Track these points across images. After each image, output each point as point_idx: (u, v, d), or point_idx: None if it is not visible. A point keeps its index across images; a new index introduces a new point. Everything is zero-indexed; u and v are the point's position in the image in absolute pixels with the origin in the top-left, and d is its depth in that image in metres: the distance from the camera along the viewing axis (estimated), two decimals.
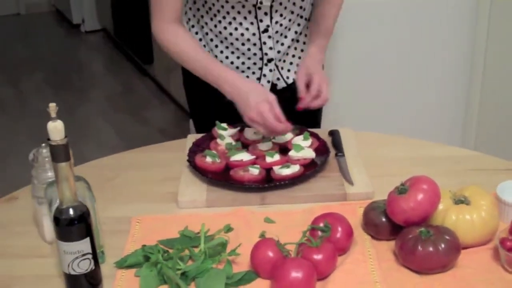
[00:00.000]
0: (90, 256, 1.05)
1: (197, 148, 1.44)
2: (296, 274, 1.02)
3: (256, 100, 1.37)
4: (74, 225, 1.02)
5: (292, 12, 1.55)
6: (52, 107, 0.99)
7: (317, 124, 1.75)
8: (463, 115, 2.55)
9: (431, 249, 1.07)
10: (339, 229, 1.13)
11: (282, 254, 1.08)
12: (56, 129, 0.98)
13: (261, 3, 1.49)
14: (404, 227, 1.13)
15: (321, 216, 1.16)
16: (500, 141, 2.52)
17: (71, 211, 1.02)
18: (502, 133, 2.53)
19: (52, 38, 5.51)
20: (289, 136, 1.46)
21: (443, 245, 1.07)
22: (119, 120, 3.75)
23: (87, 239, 1.04)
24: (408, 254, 1.09)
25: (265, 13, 1.51)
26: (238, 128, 1.50)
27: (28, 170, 1.24)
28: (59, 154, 0.99)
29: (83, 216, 1.03)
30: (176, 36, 1.49)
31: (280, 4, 1.51)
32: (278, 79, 1.64)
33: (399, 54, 2.35)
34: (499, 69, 2.50)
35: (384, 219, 1.17)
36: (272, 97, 1.39)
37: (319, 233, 1.12)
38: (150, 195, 1.37)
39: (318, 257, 1.07)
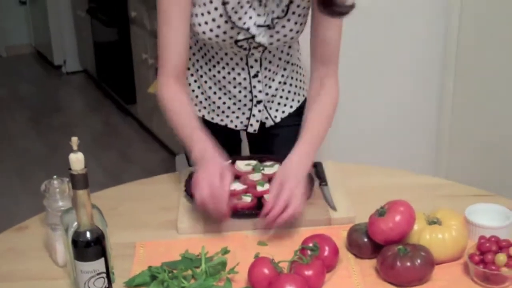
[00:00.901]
0: (104, 275, 1.16)
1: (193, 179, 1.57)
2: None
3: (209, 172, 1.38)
4: (91, 246, 1.14)
5: (280, 59, 1.70)
6: (74, 140, 1.12)
7: None
8: (435, 146, 2.73)
9: (408, 264, 1.21)
10: (327, 248, 1.26)
11: (277, 271, 1.21)
12: (77, 160, 1.10)
13: (252, 54, 1.63)
14: (384, 245, 1.27)
15: (310, 237, 1.29)
16: (471, 168, 2.68)
17: (88, 234, 1.14)
18: (472, 162, 2.70)
19: (34, 79, 5.63)
20: (277, 167, 1.59)
21: (419, 261, 1.21)
22: (105, 158, 3.85)
23: (102, 260, 1.15)
24: (388, 269, 1.22)
25: (255, 60, 1.66)
26: (230, 161, 1.64)
27: (16, 207, 1.36)
28: (79, 182, 1.11)
29: (98, 238, 1.15)
30: (169, 100, 1.56)
31: (269, 52, 1.66)
32: (266, 118, 1.78)
33: (371, 90, 2.55)
34: (467, 103, 2.68)
35: (366, 239, 1.31)
36: (227, 173, 1.38)
37: (309, 252, 1.25)
38: (151, 223, 1.49)
39: (309, 272, 1.20)
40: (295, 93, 1.81)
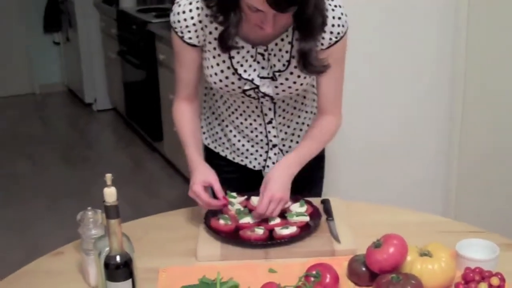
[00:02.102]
0: None
1: (212, 213, 1.74)
2: None
3: (194, 181, 1.72)
4: (120, 269, 1.31)
5: (294, 108, 1.88)
6: (108, 177, 1.29)
7: (318, 193, 2.05)
8: (444, 184, 2.88)
9: None
10: (328, 275, 1.42)
11: None
12: (110, 194, 1.28)
13: (262, 103, 1.82)
14: (379, 274, 1.42)
15: (314, 266, 1.45)
16: (477, 205, 2.82)
17: (118, 258, 1.31)
18: (478, 199, 2.83)
19: (65, 116, 5.90)
20: (288, 203, 1.76)
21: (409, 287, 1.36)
22: (131, 193, 4.04)
23: (130, 280, 1.32)
24: None
25: (269, 109, 1.84)
26: (245, 197, 1.81)
27: (49, 237, 1.52)
28: (112, 213, 1.29)
29: (127, 262, 1.32)
30: (177, 115, 1.87)
31: (283, 101, 1.84)
32: None
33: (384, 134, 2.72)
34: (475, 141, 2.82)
35: (364, 269, 1.46)
36: (213, 178, 1.73)
37: (312, 278, 1.41)
38: (173, 251, 1.65)
39: None
40: None
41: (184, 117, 1.86)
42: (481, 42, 2.70)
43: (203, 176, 1.73)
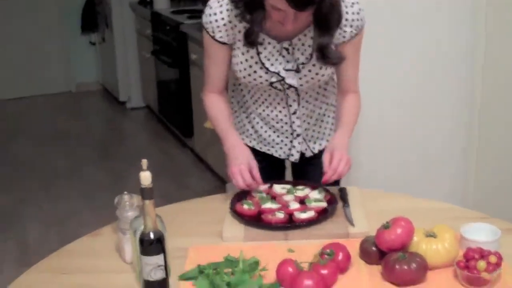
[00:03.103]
0: (163, 267, 1.49)
1: (238, 198, 1.89)
2: (308, 282, 1.45)
3: (242, 161, 1.90)
4: (153, 244, 1.47)
5: (316, 99, 2.04)
6: (144, 162, 1.45)
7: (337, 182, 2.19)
8: (463, 170, 2.99)
9: (405, 267, 1.49)
10: (341, 253, 1.56)
11: (299, 269, 1.51)
12: (145, 177, 1.44)
13: (287, 94, 1.97)
14: (388, 253, 1.56)
15: (328, 245, 1.59)
16: (495, 195, 2.92)
17: (151, 235, 1.47)
18: (497, 188, 2.94)
19: (100, 114, 6.12)
20: (307, 190, 1.91)
21: (414, 265, 1.49)
22: (163, 186, 4.22)
23: (162, 255, 1.48)
24: (389, 271, 1.51)
25: (294, 100, 2.00)
26: (268, 185, 1.96)
27: (83, 228, 1.68)
28: (146, 194, 1.45)
29: (159, 239, 1.48)
30: (210, 104, 2.04)
31: (306, 93, 2.00)
32: (305, 149, 2.10)
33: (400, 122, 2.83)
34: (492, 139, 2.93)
35: (374, 248, 1.60)
36: (253, 163, 1.91)
37: (326, 256, 1.55)
38: (202, 232, 1.81)
39: (324, 271, 1.49)
40: (331, 129, 2.13)
41: (220, 105, 2.03)
42: (500, 38, 2.78)
43: (247, 159, 1.91)
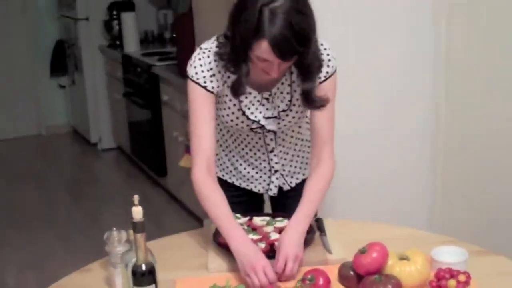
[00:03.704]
0: None
1: (219, 232, 1.99)
2: None
3: (259, 262, 1.75)
4: (146, 276, 1.55)
5: (292, 137, 2.15)
6: (136, 198, 1.55)
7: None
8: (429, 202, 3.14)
9: None
10: (321, 278, 1.67)
11: None
12: (138, 211, 1.54)
13: (266, 135, 2.08)
14: (365, 276, 1.67)
15: (309, 271, 1.70)
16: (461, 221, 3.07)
17: (143, 267, 1.56)
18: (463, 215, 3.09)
19: (72, 156, 6.16)
20: (286, 221, 2.01)
21: (389, 286, 1.60)
22: None
23: (153, 286, 1.57)
24: None
25: (271, 139, 2.11)
26: (248, 217, 2.06)
27: (62, 269, 1.74)
28: (139, 228, 1.54)
29: (151, 270, 1.56)
30: (208, 196, 1.94)
31: (282, 132, 2.11)
32: (283, 183, 2.21)
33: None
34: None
35: (352, 272, 1.71)
36: (265, 262, 1.76)
37: (307, 282, 1.65)
38: (187, 265, 1.90)
39: None
40: (306, 164, 2.24)
41: (218, 198, 1.93)
42: (461, 46, 2.93)
43: (264, 261, 1.77)
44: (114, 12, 5.61)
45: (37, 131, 6.64)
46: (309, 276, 1.67)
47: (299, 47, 1.74)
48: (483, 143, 2.94)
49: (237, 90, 1.87)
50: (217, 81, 1.94)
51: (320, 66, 1.90)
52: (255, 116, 2.00)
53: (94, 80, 5.85)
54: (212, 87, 1.93)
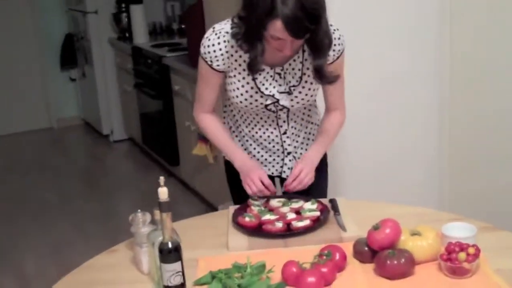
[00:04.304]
0: (180, 274, 1.66)
1: (238, 213, 2.08)
2: (311, 279, 1.64)
3: (255, 173, 2.16)
4: (172, 253, 1.65)
5: (303, 119, 2.25)
6: (161, 179, 1.64)
7: (324, 194, 2.40)
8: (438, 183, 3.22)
9: (395, 262, 1.69)
10: (337, 254, 1.75)
11: (301, 269, 1.70)
12: (163, 192, 1.63)
13: (279, 115, 2.18)
14: (379, 251, 1.75)
15: (326, 247, 1.79)
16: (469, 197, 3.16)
17: (169, 244, 1.65)
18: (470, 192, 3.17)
19: (84, 147, 6.26)
20: (301, 202, 2.10)
21: (403, 260, 1.69)
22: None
23: (179, 262, 1.66)
24: (381, 266, 1.71)
25: (284, 121, 2.20)
26: (265, 199, 2.15)
27: (78, 257, 1.85)
28: (164, 207, 1.63)
29: (177, 247, 1.66)
30: (208, 123, 2.27)
31: (294, 114, 2.20)
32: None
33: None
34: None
35: (366, 248, 1.80)
36: (262, 172, 2.17)
37: (324, 256, 1.74)
38: (208, 244, 1.99)
39: (324, 270, 1.69)
40: None
41: (217, 124, 2.27)
42: (464, 48, 3.02)
43: (259, 171, 2.18)
44: (123, 5, 5.69)
45: (49, 124, 6.72)
46: (326, 252, 1.76)
47: (311, 25, 1.86)
48: (488, 125, 3.02)
49: (253, 67, 2.02)
50: (227, 59, 2.08)
51: (331, 43, 2.02)
52: (270, 91, 2.11)
53: (104, 72, 5.93)
54: (218, 65, 2.11)
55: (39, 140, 6.40)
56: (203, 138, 3.75)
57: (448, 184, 3.23)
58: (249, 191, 2.15)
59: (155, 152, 5.24)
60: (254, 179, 2.14)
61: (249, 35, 1.96)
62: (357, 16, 2.94)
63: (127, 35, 5.64)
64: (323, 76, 2.04)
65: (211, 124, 2.27)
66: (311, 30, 1.88)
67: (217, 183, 3.86)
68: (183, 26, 5.40)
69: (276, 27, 1.86)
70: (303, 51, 2.08)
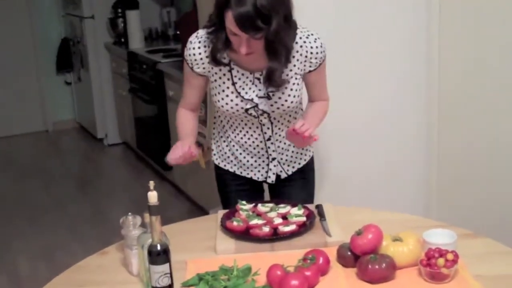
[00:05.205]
0: (168, 275, 1.72)
1: (226, 217, 2.14)
2: (294, 282, 1.69)
3: (178, 143, 2.24)
4: (161, 255, 1.70)
5: (287, 127, 2.30)
6: (151, 183, 1.69)
7: (311, 200, 2.47)
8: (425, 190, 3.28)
9: (376, 267, 1.75)
10: (321, 258, 1.81)
11: (286, 272, 1.75)
12: (153, 196, 1.68)
13: (261, 121, 2.24)
14: (361, 256, 1.81)
15: (310, 251, 1.84)
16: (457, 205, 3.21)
17: (158, 246, 1.70)
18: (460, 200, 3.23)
19: (78, 151, 6.30)
20: (288, 208, 2.16)
21: (384, 265, 1.75)
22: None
23: (167, 264, 1.71)
24: (364, 271, 1.77)
25: (268, 128, 2.26)
26: (253, 204, 2.21)
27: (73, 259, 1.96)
28: (154, 211, 1.68)
29: (165, 250, 1.71)
30: (180, 115, 2.36)
31: (278, 121, 2.27)
32: (280, 171, 2.36)
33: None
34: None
35: (349, 253, 1.85)
36: (186, 142, 2.22)
37: (308, 260, 1.80)
38: (197, 248, 2.05)
39: (307, 273, 1.74)
40: (301, 153, 2.40)
41: (187, 117, 2.35)
42: (453, 38, 3.06)
43: (187, 141, 2.26)
44: (119, 10, 5.75)
45: (44, 127, 6.77)
46: (310, 256, 1.81)
47: (261, 24, 1.95)
48: (476, 136, 3.09)
49: (214, 56, 2.13)
50: (204, 65, 2.19)
51: (288, 53, 2.11)
52: (249, 96, 2.19)
53: (99, 76, 5.99)
54: (198, 69, 2.22)
55: (34, 143, 6.44)
56: (196, 143, 3.80)
57: (435, 195, 3.29)
58: (170, 156, 2.20)
59: (149, 156, 5.30)
60: (178, 144, 2.21)
61: (213, 25, 2.09)
62: (347, 23, 3.01)
63: (123, 40, 5.70)
64: (271, 79, 2.12)
65: (182, 116, 2.35)
66: (262, 29, 1.97)
67: (208, 188, 3.90)
68: (178, 32, 5.46)
69: (229, 19, 1.98)
70: None
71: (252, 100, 2.19)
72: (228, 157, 2.39)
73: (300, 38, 2.16)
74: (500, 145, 3.02)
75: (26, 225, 4.51)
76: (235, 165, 2.39)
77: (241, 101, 2.19)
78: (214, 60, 2.14)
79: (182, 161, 2.19)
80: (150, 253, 1.71)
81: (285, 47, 2.08)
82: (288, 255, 1.93)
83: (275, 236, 2.02)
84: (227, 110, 2.22)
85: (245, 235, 2.04)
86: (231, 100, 2.20)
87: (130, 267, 1.91)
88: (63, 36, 6.51)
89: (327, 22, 2.89)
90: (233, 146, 2.35)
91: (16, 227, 4.48)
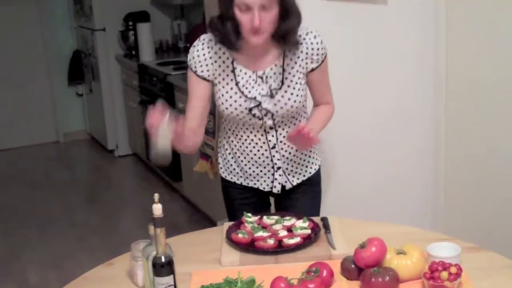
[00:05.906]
0: (173, 287, 1.73)
1: (232, 229, 2.15)
2: None
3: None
4: (165, 267, 1.72)
5: None
6: (156, 196, 1.71)
7: (316, 212, 2.48)
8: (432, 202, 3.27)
9: (380, 280, 1.75)
10: (325, 271, 1.82)
11: (289, 285, 1.76)
12: (158, 208, 1.70)
13: (265, 122, 2.26)
14: (365, 269, 1.82)
15: (314, 264, 1.85)
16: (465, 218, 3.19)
17: (163, 258, 1.72)
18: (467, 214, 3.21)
19: (89, 162, 6.35)
20: (293, 220, 2.17)
21: (387, 278, 1.75)
22: None
23: (172, 276, 1.73)
24: (367, 284, 1.77)
25: (272, 135, 2.29)
26: (259, 217, 2.22)
27: (80, 269, 1.96)
28: (158, 223, 1.70)
29: (169, 262, 1.73)
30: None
31: (283, 129, 2.29)
32: (286, 181, 2.38)
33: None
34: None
35: (353, 266, 1.86)
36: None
37: (312, 273, 1.81)
38: (202, 259, 2.06)
39: (311, 286, 1.75)
40: (306, 166, 2.41)
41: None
42: (460, 40, 3.03)
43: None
44: (130, 23, 5.81)
45: (55, 138, 6.84)
46: (314, 269, 1.82)
47: None
48: (484, 148, 3.07)
49: (228, 44, 2.16)
50: (211, 65, 2.21)
51: (299, 14, 2.17)
52: (252, 94, 2.22)
53: (110, 88, 6.04)
54: (202, 71, 2.22)
55: (45, 154, 6.50)
56: (204, 155, 3.82)
57: (443, 203, 3.28)
58: (147, 124, 2.19)
59: (159, 168, 5.32)
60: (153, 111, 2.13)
61: (221, 17, 2.13)
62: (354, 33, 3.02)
63: (133, 52, 5.75)
64: (287, 40, 2.16)
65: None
66: None
67: (217, 200, 3.92)
68: (188, 45, 5.49)
69: None
70: (284, 56, 2.21)
71: (255, 98, 2.22)
72: (234, 169, 2.41)
73: (300, 35, 2.21)
74: (510, 153, 3.01)
75: (36, 235, 4.55)
76: (241, 176, 2.41)
77: (245, 101, 2.22)
78: (230, 47, 2.16)
79: (154, 120, 2.16)
80: (154, 265, 1.72)
81: (296, 9, 2.15)
82: (292, 268, 1.94)
83: (280, 249, 2.03)
84: (232, 112, 2.24)
85: (250, 247, 2.05)
86: (235, 101, 2.23)
87: (135, 279, 1.93)
88: (75, 49, 6.57)
89: (333, 29, 2.91)
90: (238, 157, 2.37)
91: (26, 237, 4.52)
